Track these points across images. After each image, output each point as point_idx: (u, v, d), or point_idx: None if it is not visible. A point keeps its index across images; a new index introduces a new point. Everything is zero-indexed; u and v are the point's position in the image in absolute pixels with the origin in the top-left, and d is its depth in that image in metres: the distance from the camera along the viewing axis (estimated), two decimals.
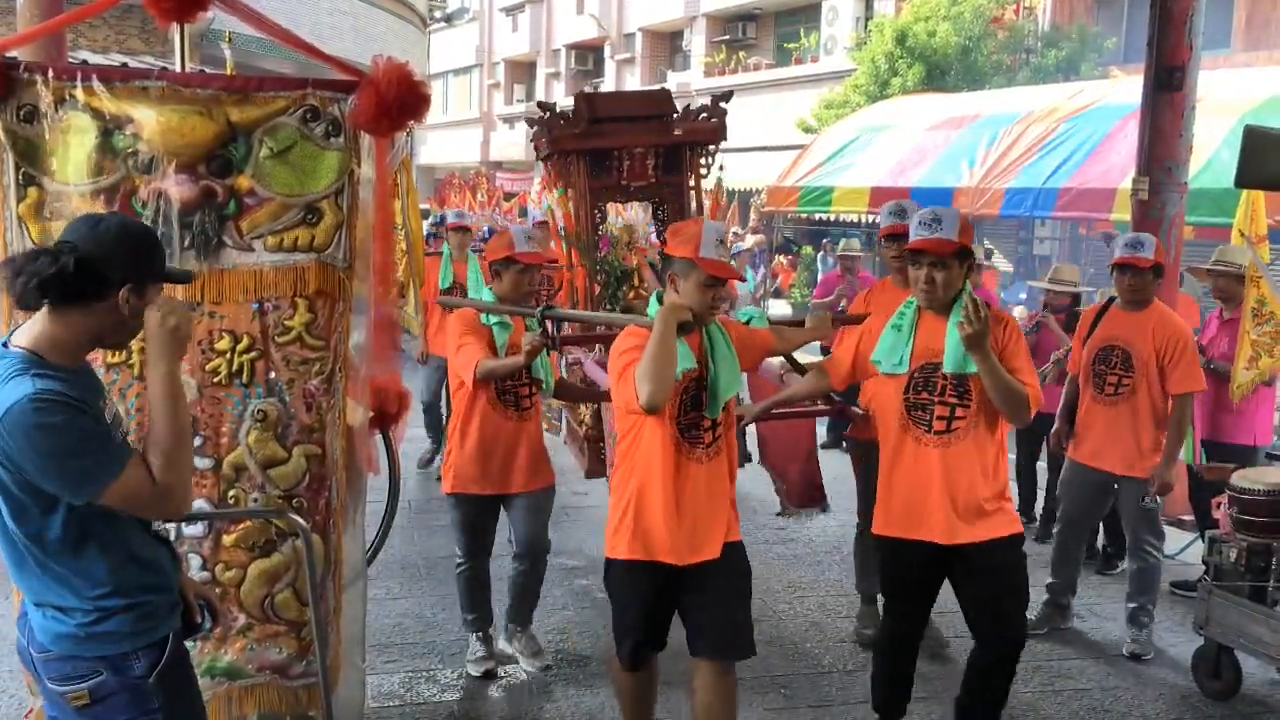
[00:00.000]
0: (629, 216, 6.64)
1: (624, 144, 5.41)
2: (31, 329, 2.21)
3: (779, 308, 15.85)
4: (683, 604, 3.38)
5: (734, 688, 3.37)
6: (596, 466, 5.02)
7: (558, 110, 5.55)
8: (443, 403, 7.34)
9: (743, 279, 3.23)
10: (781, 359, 4.48)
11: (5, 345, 2.22)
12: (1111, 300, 4.96)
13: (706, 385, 3.30)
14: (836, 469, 6.07)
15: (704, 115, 5.62)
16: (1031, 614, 4.99)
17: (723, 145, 5.73)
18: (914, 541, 3.58)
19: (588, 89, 32.65)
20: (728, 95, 5.73)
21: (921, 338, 3.59)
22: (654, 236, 6.22)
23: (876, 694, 3.94)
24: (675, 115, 5.58)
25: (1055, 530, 5.21)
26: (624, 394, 3.19)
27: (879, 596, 4.47)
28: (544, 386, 4.38)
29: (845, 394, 4.35)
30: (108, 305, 2.21)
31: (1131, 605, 4.90)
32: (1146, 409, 4.72)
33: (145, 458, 2.21)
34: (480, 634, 4.55)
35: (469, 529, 4.45)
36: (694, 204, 5.68)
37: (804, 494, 4.92)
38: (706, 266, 3.18)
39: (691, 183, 5.66)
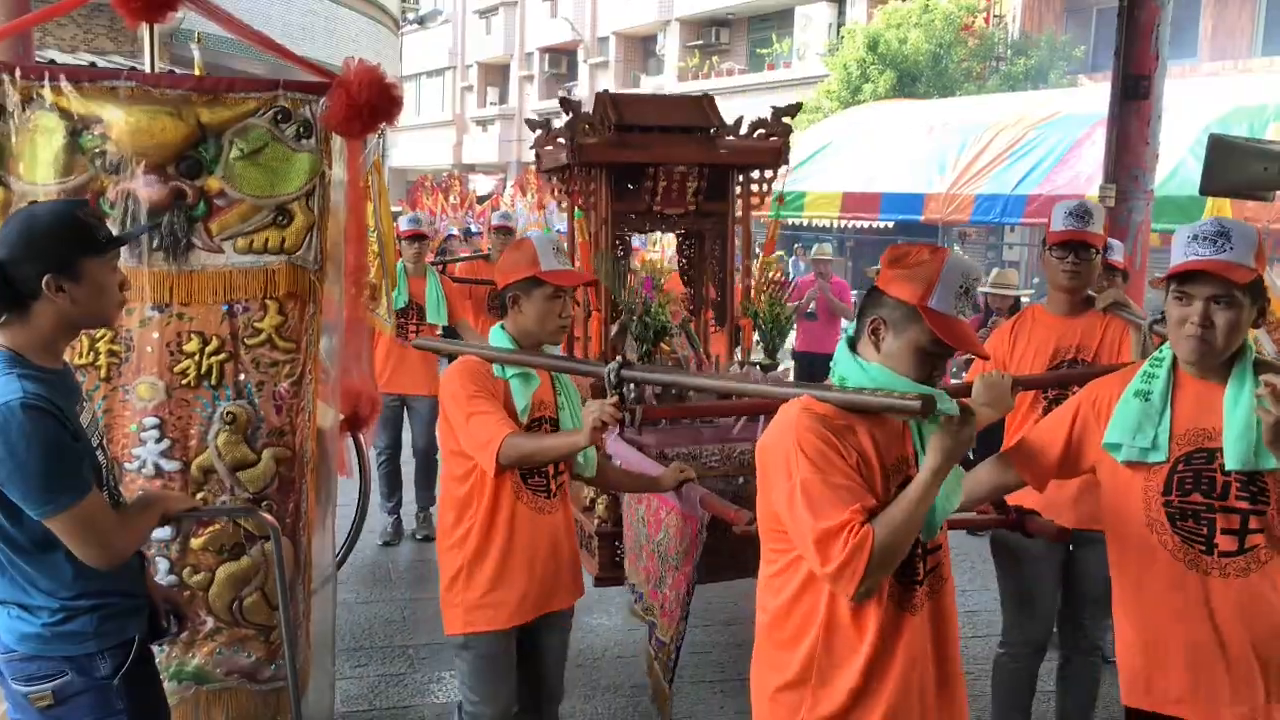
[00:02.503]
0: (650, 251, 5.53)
1: (659, 159, 4.35)
2: (7, 329, 2.20)
3: None
4: None
5: None
6: (610, 570, 3.80)
7: (579, 111, 4.37)
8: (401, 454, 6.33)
9: (986, 356, 2.45)
10: None
11: None
12: None
13: None
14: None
15: (761, 132, 4.54)
16: None
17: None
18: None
19: (562, 92, 32.60)
20: (794, 109, 4.69)
21: (1184, 411, 2.40)
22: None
23: None
24: (724, 129, 4.53)
25: None
26: (821, 552, 2.00)
27: None
28: (581, 464, 3.12)
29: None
30: (44, 299, 2.18)
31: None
32: None
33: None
34: None
35: (497, 674, 3.05)
36: (739, 242, 4.63)
37: None
38: (938, 326, 2.05)
39: (739, 214, 4.58)
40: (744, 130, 4.56)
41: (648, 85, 29.05)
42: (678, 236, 4.83)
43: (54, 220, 2.22)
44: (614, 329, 4.36)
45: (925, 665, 2.12)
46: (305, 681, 3.24)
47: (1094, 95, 11.37)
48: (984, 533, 4.16)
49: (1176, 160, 9.29)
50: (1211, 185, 4.89)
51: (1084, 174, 10.32)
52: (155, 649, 2.58)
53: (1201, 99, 10.72)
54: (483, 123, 36.92)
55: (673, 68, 28.22)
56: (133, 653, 2.33)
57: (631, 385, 3.00)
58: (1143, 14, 6.15)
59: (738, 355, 4.56)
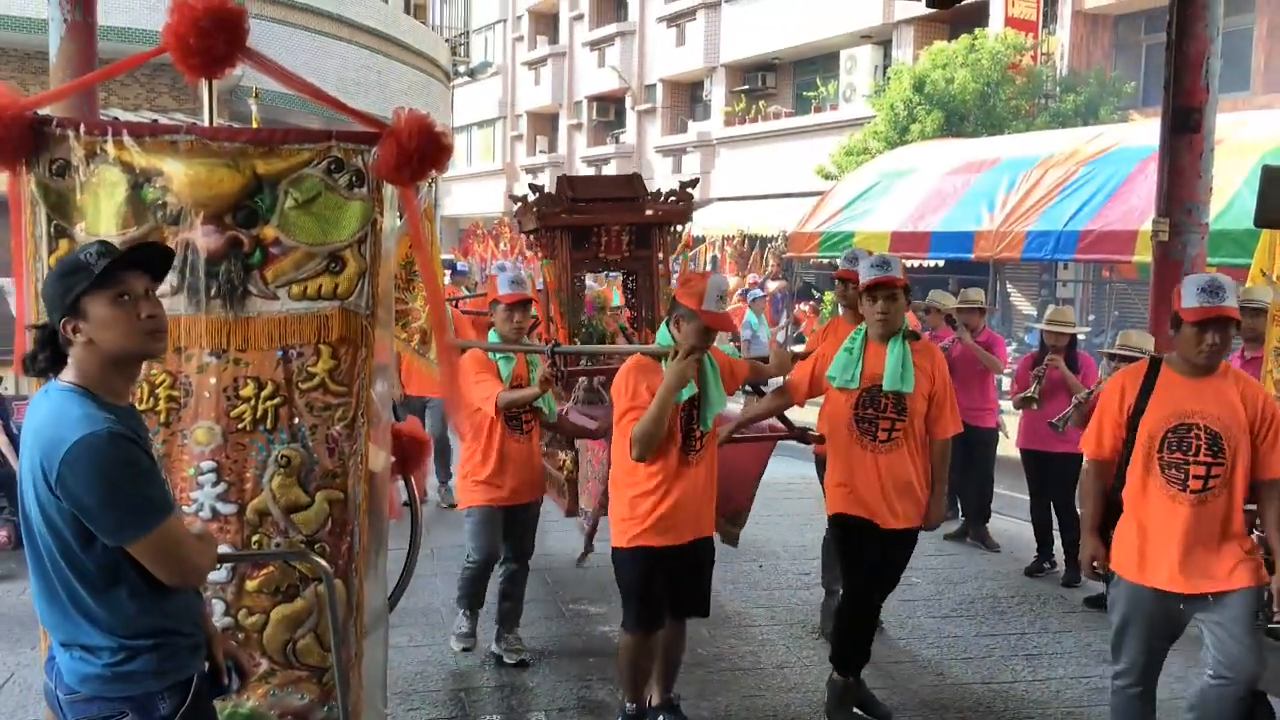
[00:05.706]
0: (599, 284, 7.40)
1: (601, 222, 6.08)
2: (73, 369, 2.29)
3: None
4: (671, 577, 4.08)
5: (685, 630, 4.34)
6: (575, 506, 5.65)
7: (544, 191, 6.24)
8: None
9: (736, 330, 4.10)
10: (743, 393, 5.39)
11: (52, 380, 2.30)
12: (1157, 362, 3.80)
13: (698, 404, 4.01)
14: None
15: (673, 199, 6.30)
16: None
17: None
18: (861, 519, 4.36)
19: (609, 140, 32.74)
20: (694, 182, 6.51)
21: (869, 363, 4.35)
22: (617, 305, 6.89)
23: (841, 652, 4.54)
24: (647, 196, 6.31)
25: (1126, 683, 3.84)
26: (623, 438, 3.96)
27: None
28: (546, 414, 5.13)
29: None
30: (73, 344, 2.28)
31: None
32: (1240, 503, 3.64)
33: None
34: (469, 612, 5.27)
35: (489, 533, 5.02)
36: (662, 277, 6.37)
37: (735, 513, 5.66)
38: (706, 319, 3.87)
39: (660, 257, 6.35)
40: (662, 198, 6.34)
41: (694, 131, 29.23)
42: (623, 275, 6.60)
43: (58, 267, 2.35)
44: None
45: (696, 486, 4.03)
46: None
47: (1146, 130, 11.25)
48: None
49: (1233, 193, 9.16)
50: (1265, 217, 4.82)
51: (1137, 208, 10.20)
52: None
53: (1257, 131, 10.57)
54: (533, 170, 37.35)
55: (719, 112, 28.35)
56: (191, 692, 2.36)
57: (562, 357, 5.53)
58: (1192, 47, 6.11)
59: None
